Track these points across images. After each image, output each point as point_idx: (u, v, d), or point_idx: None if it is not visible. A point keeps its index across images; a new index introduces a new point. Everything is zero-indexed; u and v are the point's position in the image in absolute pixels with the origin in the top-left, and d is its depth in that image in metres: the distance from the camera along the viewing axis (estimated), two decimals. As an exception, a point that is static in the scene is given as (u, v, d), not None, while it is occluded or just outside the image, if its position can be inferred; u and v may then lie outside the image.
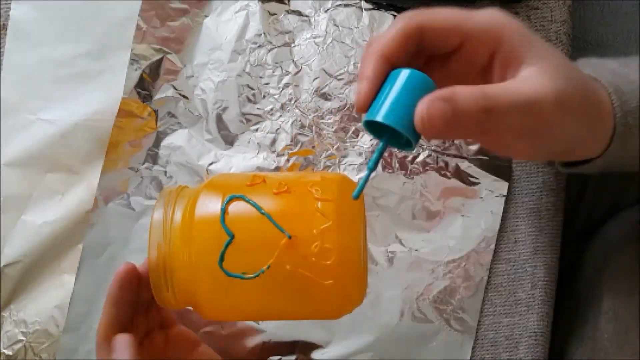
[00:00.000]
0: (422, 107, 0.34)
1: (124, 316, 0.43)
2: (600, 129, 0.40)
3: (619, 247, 0.56)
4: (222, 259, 0.41)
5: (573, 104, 0.36)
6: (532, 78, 0.36)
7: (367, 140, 0.56)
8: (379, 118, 0.36)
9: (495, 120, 0.35)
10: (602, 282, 0.55)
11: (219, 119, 0.57)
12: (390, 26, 0.37)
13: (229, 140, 0.57)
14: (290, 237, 0.41)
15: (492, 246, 0.56)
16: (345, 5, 0.57)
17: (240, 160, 0.56)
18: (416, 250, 0.55)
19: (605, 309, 0.53)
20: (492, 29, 0.36)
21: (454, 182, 0.56)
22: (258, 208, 0.42)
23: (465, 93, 0.34)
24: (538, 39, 0.37)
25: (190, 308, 0.45)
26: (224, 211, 0.42)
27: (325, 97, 0.57)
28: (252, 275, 0.41)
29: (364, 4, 0.57)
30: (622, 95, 0.39)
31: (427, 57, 0.40)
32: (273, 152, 0.56)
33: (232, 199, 0.42)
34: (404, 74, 0.36)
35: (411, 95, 0.35)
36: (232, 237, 0.41)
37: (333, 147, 0.56)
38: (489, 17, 0.37)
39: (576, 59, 0.45)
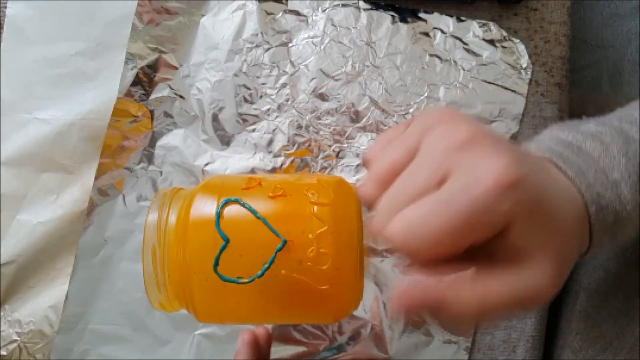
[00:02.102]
0: (395, 302, 0.32)
1: None
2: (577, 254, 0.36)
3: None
4: (216, 263, 0.40)
5: (563, 281, 0.33)
6: (533, 278, 0.31)
7: (364, 142, 0.56)
8: None
9: (487, 318, 0.33)
10: (580, 282, 0.55)
11: (215, 119, 0.56)
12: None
13: (225, 141, 0.56)
14: (285, 242, 0.41)
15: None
16: (343, 5, 0.57)
17: (236, 161, 0.56)
18: (413, 252, 0.55)
19: (579, 308, 0.54)
20: (492, 232, 0.30)
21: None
22: (253, 212, 0.41)
23: (459, 301, 0.31)
24: (542, 217, 0.31)
25: (185, 311, 0.45)
26: (218, 215, 0.41)
27: (322, 97, 0.56)
28: (246, 280, 0.41)
29: (362, 4, 0.57)
30: (600, 212, 0.35)
31: None
32: (270, 152, 0.56)
33: (227, 203, 0.42)
34: None
35: None
36: (227, 241, 0.40)
37: (330, 148, 0.56)
38: (488, 205, 0.29)
39: (572, 59, 0.44)
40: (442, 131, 0.31)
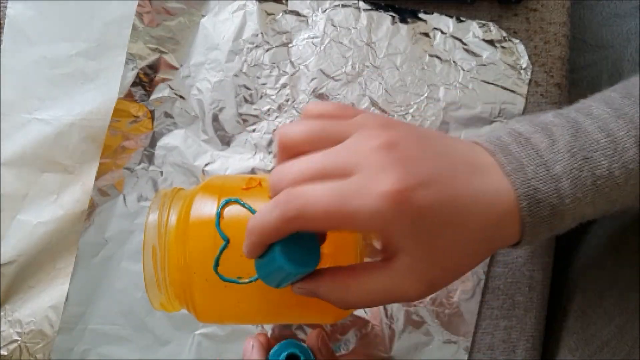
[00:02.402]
0: (294, 288, 0.38)
1: None
2: (501, 244, 0.39)
3: (593, 249, 0.57)
4: (217, 263, 0.41)
5: (444, 284, 0.37)
6: (399, 276, 0.35)
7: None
8: (262, 278, 0.38)
9: (355, 308, 0.38)
10: (574, 281, 0.56)
11: (216, 119, 0.56)
12: (268, 208, 0.35)
13: (226, 141, 0.56)
14: (285, 242, 0.41)
15: (490, 249, 0.55)
16: (343, 6, 0.57)
17: (236, 161, 0.56)
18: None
19: (574, 307, 0.54)
20: (370, 229, 0.35)
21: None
22: (254, 212, 0.42)
23: (325, 292, 0.37)
24: (431, 219, 0.34)
25: (185, 311, 0.45)
26: (219, 215, 0.42)
27: (322, 97, 0.56)
28: (247, 280, 0.41)
29: (362, 5, 0.57)
30: (534, 206, 0.36)
31: None
32: (270, 153, 0.56)
33: (227, 203, 0.42)
34: (279, 265, 0.36)
35: (286, 278, 0.37)
36: (228, 241, 0.41)
37: (330, 148, 0.56)
38: (370, 221, 0.33)
39: (572, 59, 0.44)
40: (373, 132, 0.35)
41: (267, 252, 0.36)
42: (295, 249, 0.36)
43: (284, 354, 0.39)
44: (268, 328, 0.55)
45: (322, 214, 0.33)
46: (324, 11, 0.57)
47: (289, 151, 0.37)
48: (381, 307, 0.55)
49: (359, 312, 0.55)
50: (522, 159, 0.37)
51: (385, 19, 0.57)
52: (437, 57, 0.57)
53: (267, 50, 0.57)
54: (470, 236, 0.36)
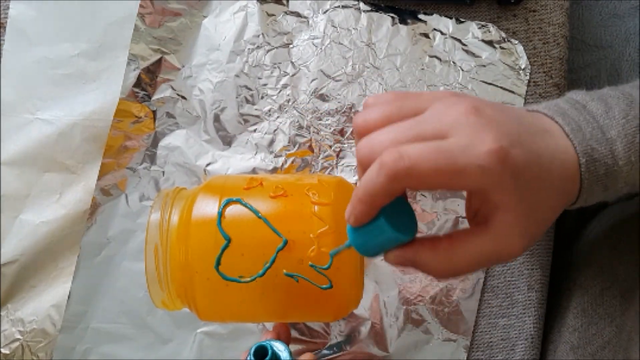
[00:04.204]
0: (394, 255, 0.38)
1: None
2: (566, 203, 0.41)
3: (592, 248, 0.57)
4: (218, 262, 0.41)
5: (538, 239, 0.39)
6: (503, 235, 0.36)
7: (364, 142, 0.56)
8: (356, 248, 0.38)
9: (458, 275, 0.39)
10: (574, 279, 0.56)
11: (217, 119, 0.57)
12: (373, 172, 0.34)
13: (227, 141, 0.57)
14: (287, 241, 0.41)
15: (489, 248, 0.56)
16: (344, 7, 0.57)
17: (237, 161, 0.56)
18: (413, 252, 0.55)
19: (575, 305, 0.55)
20: (475, 186, 0.35)
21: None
22: (255, 212, 0.42)
23: (428, 260, 0.37)
24: (526, 176, 0.36)
25: (187, 309, 0.46)
26: (220, 215, 0.42)
27: (323, 98, 0.57)
28: (248, 279, 0.41)
29: (362, 6, 0.57)
30: (591, 164, 0.39)
31: None
32: (271, 153, 0.56)
33: (229, 203, 0.42)
34: (385, 233, 0.36)
35: (387, 244, 0.37)
36: (229, 240, 0.41)
37: (331, 148, 0.56)
38: (480, 175, 0.34)
39: (571, 59, 0.45)
40: (452, 100, 0.37)
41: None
42: (397, 215, 0.36)
43: (253, 348, 0.39)
44: (269, 326, 0.55)
45: (432, 171, 0.33)
46: (324, 12, 0.57)
47: (369, 132, 0.37)
48: (381, 306, 0.55)
49: (359, 311, 0.55)
50: (580, 122, 0.40)
51: (385, 20, 0.57)
52: (437, 57, 0.57)
53: (268, 51, 0.57)
54: (554, 190, 0.38)
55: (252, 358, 0.39)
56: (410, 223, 0.38)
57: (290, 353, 0.40)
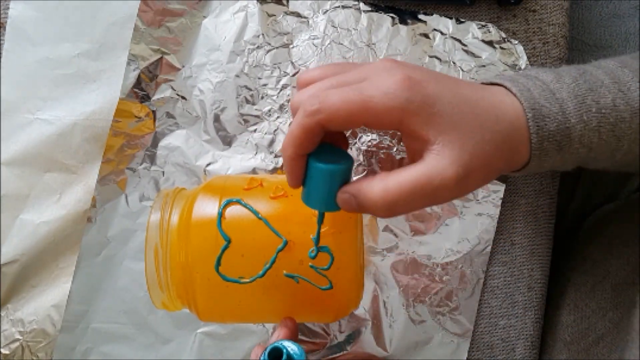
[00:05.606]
0: (338, 196, 0.39)
1: None
2: (516, 159, 0.41)
3: (585, 245, 0.57)
4: (218, 263, 0.41)
5: (477, 175, 0.38)
6: (433, 162, 0.37)
7: (365, 141, 0.56)
8: (311, 206, 0.40)
9: (397, 208, 0.38)
10: (566, 275, 0.57)
11: (217, 119, 0.57)
12: (297, 116, 0.38)
13: (227, 141, 0.57)
14: (287, 242, 0.41)
15: (489, 248, 0.56)
16: (344, 7, 0.57)
17: (238, 161, 0.56)
18: (413, 252, 0.56)
19: (567, 301, 0.55)
20: (390, 115, 0.37)
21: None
22: (255, 213, 0.42)
23: (367, 191, 0.38)
24: (445, 107, 0.37)
25: (187, 309, 0.46)
26: (220, 215, 0.42)
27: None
28: (248, 280, 0.41)
29: (362, 6, 0.57)
30: (540, 119, 0.40)
31: None
32: (271, 153, 0.56)
33: (229, 203, 0.42)
34: (319, 171, 0.39)
35: (329, 184, 0.39)
36: (229, 241, 0.41)
37: (331, 148, 0.56)
38: (387, 100, 0.36)
39: (570, 59, 0.46)
40: (388, 64, 0.39)
41: (305, 176, 0.39)
42: (327, 156, 0.39)
43: (267, 350, 0.40)
44: (269, 327, 0.55)
45: (342, 104, 0.36)
46: (324, 12, 0.57)
47: (307, 86, 0.40)
48: (381, 306, 0.55)
49: (359, 311, 0.55)
50: (529, 85, 0.41)
51: (385, 20, 0.57)
52: (437, 58, 0.57)
53: (268, 51, 0.57)
54: (486, 127, 0.38)
55: (267, 359, 0.39)
56: (343, 156, 0.40)
57: (305, 354, 0.40)
